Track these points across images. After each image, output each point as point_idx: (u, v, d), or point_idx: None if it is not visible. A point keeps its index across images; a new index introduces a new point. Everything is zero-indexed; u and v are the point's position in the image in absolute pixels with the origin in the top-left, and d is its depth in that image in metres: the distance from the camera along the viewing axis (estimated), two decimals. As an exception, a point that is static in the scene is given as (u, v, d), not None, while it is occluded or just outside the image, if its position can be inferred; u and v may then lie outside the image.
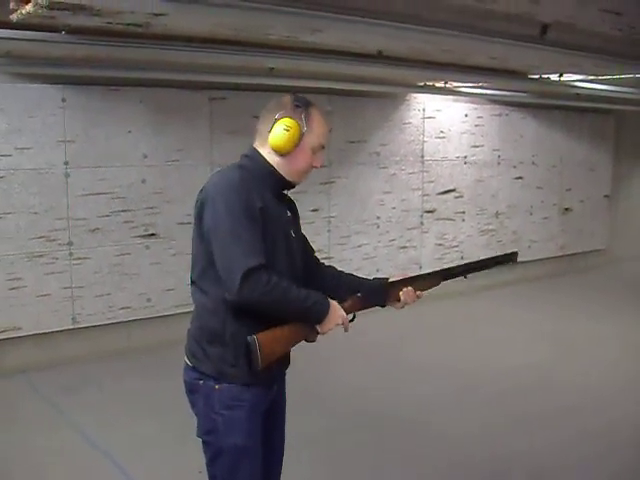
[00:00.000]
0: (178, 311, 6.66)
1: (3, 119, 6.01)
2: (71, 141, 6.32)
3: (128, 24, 4.13)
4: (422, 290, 2.90)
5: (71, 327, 6.47)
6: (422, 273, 3.00)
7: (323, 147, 2.73)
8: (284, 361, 2.78)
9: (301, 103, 2.67)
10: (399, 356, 6.74)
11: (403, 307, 2.90)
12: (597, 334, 7.55)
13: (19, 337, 6.22)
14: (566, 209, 10.83)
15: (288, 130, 2.61)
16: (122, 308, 6.72)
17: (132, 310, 6.77)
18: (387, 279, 2.92)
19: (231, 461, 2.62)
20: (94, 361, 6.37)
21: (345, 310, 2.70)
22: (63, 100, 6.26)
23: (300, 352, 2.84)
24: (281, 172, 2.69)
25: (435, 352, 6.83)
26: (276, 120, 2.63)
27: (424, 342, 7.18)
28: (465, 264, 3.05)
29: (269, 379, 2.70)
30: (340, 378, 6.12)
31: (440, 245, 9.11)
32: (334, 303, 2.65)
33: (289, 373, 2.88)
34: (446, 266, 3.13)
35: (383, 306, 2.91)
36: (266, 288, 2.42)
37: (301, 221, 2.89)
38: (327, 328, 2.65)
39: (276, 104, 2.69)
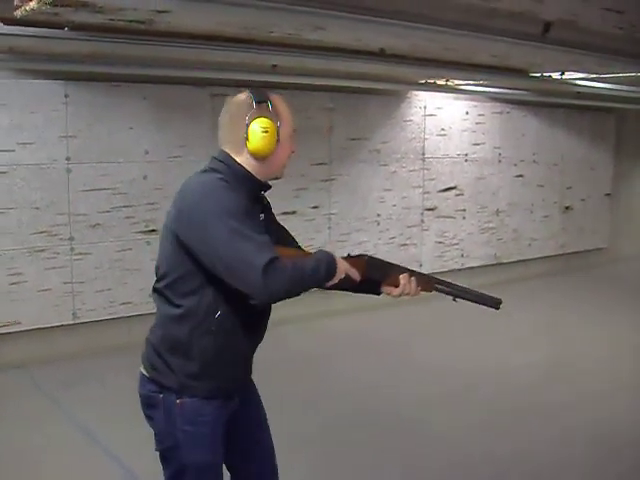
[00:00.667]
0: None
1: (6, 114, 6.02)
2: (73, 137, 6.33)
3: (131, 21, 4.15)
4: (421, 288, 2.75)
5: (72, 322, 6.48)
6: (420, 272, 2.85)
7: (295, 130, 2.59)
8: (244, 372, 2.72)
9: (263, 97, 2.50)
10: (399, 355, 6.74)
11: (399, 296, 2.74)
12: (597, 333, 7.56)
13: (19, 332, 6.23)
14: (567, 207, 10.84)
15: (267, 131, 2.44)
16: (123, 303, 6.73)
17: (133, 305, 6.78)
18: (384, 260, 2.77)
19: (195, 478, 2.54)
20: (94, 356, 6.37)
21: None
22: (66, 96, 6.26)
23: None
24: (259, 176, 2.53)
25: (435, 351, 6.83)
26: (248, 124, 2.45)
27: (423, 341, 7.18)
28: (458, 287, 2.85)
29: (230, 390, 2.62)
30: (341, 376, 6.12)
31: (440, 243, 9.12)
32: (339, 260, 2.51)
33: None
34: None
35: (378, 293, 2.79)
36: (287, 275, 2.30)
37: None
38: (333, 283, 2.52)
39: (237, 106, 2.51)
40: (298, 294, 2.39)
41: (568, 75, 7.05)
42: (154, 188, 6.79)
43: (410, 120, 8.71)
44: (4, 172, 6.03)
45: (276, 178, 2.62)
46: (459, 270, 9.29)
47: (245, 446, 2.76)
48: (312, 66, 6.24)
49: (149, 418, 2.61)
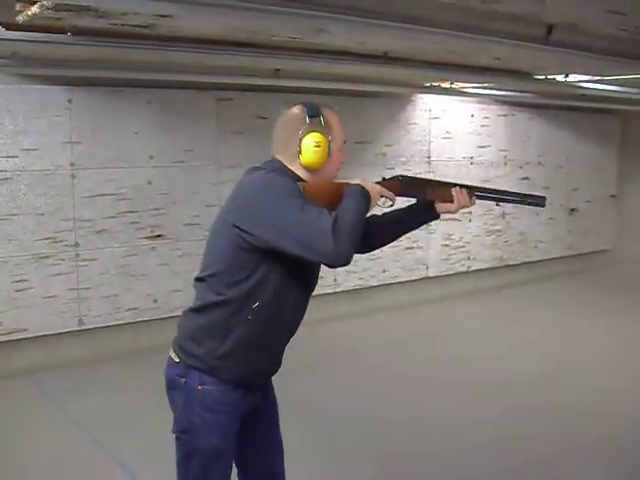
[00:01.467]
0: (184, 312, 6.66)
1: (9, 120, 6.02)
2: (77, 142, 6.33)
3: (134, 25, 4.15)
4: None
5: (77, 329, 6.48)
6: (463, 183, 2.91)
7: (345, 142, 2.72)
8: (273, 365, 2.80)
9: (315, 112, 2.61)
10: (408, 354, 6.75)
11: (457, 211, 2.86)
12: (603, 334, 7.54)
13: (26, 339, 6.23)
14: (572, 209, 10.82)
15: (319, 146, 2.57)
16: (129, 309, 6.73)
17: (139, 311, 6.78)
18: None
19: (205, 461, 2.62)
20: (101, 363, 6.38)
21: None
22: (69, 101, 6.27)
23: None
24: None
25: (440, 352, 6.82)
26: (301, 138, 2.57)
27: (427, 344, 7.17)
28: (497, 189, 2.95)
29: (254, 381, 2.72)
30: (346, 378, 6.13)
31: (446, 246, 9.10)
32: (368, 185, 2.61)
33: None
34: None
35: (437, 216, 2.91)
36: (348, 227, 2.36)
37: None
38: (374, 204, 2.64)
39: (291, 120, 2.64)
40: (360, 234, 2.45)
41: (572, 77, 7.03)
42: (159, 193, 6.80)
43: (415, 123, 8.70)
44: (8, 178, 6.03)
45: None
46: (465, 273, 9.29)
47: (258, 444, 2.86)
48: (315, 70, 6.24)
49: (170, 399, 2.71)
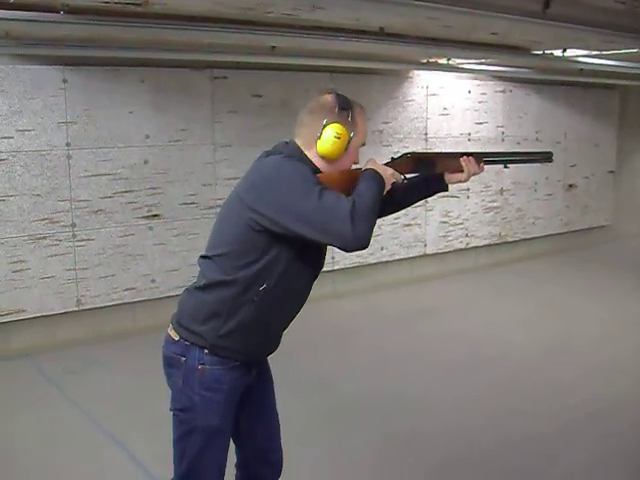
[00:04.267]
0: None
1: (4, 101, 5.98)
2: (72, 122, 6.30)
3: (126, 3, 4.11)
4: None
5: (75, 309, 6.48)
6: (470, 151, 2.94)
7: (364, 144, 2.72)
8: (272, 345, 2.81)
9: (346, 105, 2.64)
10: (406, 331, 6.76)
11: (467, 179, 2.89)
12: (601, 310, 7.55)
13: (24, 320, 6.23)
14: (570, 185, 10.80)
15: (339, 138, 2.57)
16: (126, 289, 6.72)
17: (137, 291, 6.78)
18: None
19: (203, 440, 2.64)
20: (99, 343, 6.38)
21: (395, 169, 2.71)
22: (64, 81, 6.23)
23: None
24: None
25: (439, 329, 6.83)
26: (325, 126, 2.57)
27: (426, 320, 7.17)
28: (503, 152, 3.02)
29: (254, 359, 2.74)
30: (347, 355, 6.14)
31: (445, 223, 9.08)
32: (380, 169, 2.61)
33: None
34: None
35: (445, 187, 2.94)
36: (365, 211, 2.38)
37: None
38: (388, 186, 2.63)
39: (320, 106, 2.63)
40: (376, 218, 2.48)
41: (570, 52, 7.00)
42: (155, 173, 6.77)
43: (412, 100, 8.66)
44: (4, 159, 6.00)
45: None
46: (464, 249, 9.28)
47: (252, 419, 2.88)
48: (311, 47, 6.20)
49: (168, 377, 2.72)
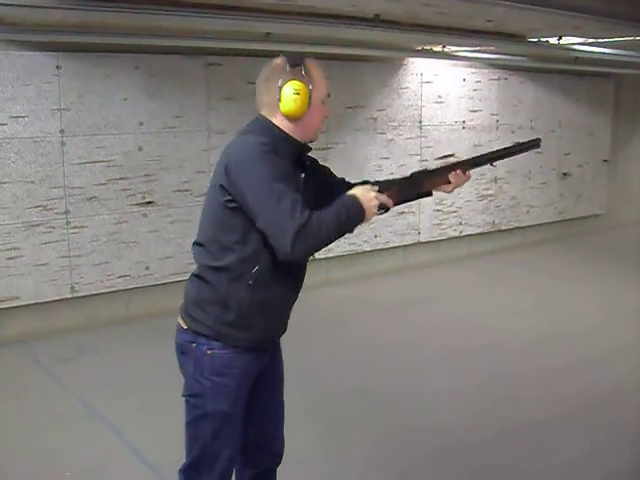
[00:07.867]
0: (177, 279, 6.66)
1: (-3, 87, 5.96)
2: (66, 109, 6.26)
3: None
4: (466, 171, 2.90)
5: (69, 296, 6.46)
6: (457, 161, 2.94)
7: (329, 95, 2.72)
8: (279, 328, 2.82)
9: (297, 61, 2.62)
10: (400, 319, 6.77)
11: (452, 191, 2.91)
12: (595, 298, 7.58)
13: (18, 307, 6.22)
14: (565, 174, 10.80)
15: (298, 93, 2.56)
16: (120, 276, 6.71)
17: (131, 278, 6.76)
18: (426, 170, 2.89)
19: (214, 425, 2.66)
20: (93, 330, 6.37)
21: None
22: (58, 67, 6.19)
23: (291, 319, 2.84)
24: (296, 137, 2.64)
25: (433, 318, 6.84)
26: (281, 87, 2.57)
27: (421, 309, 7.19)
28: (491, 152, 3.00)
29: (263, 344, 2.74)
30: (339, 344, 6.14)
31: (439, 211, 9.08)
32: (362, 195, 2.57)
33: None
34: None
35: (431, 195, 2.91)
36: (314, 235, 2.40)
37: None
38: (370, 218, 2.62)
39: (272, 70, 2.63)
40: (327, 244, 2.50)
41: (566, 40, 6.99)
42: (150, 159, 6.75)
43: (407, 87, 8.64)
44: (-3, 146, 5.98)
45: (311, 141, 2.73)
46: (457, 237, 9.28)
47: (260, 404, 2.88)
48: (306, 33, 6.18)
49: (181, 364, 2.74)
